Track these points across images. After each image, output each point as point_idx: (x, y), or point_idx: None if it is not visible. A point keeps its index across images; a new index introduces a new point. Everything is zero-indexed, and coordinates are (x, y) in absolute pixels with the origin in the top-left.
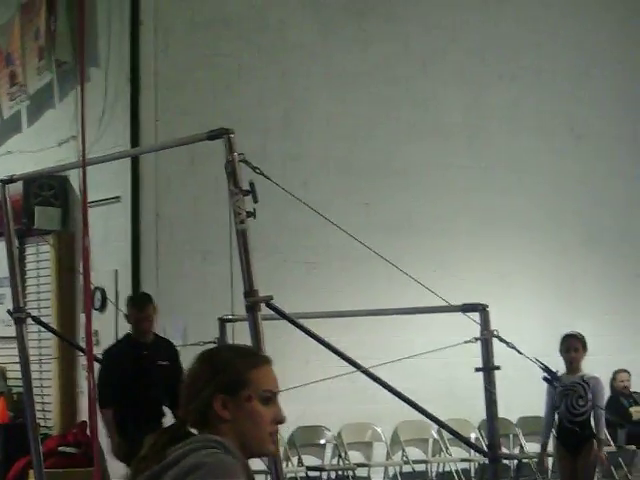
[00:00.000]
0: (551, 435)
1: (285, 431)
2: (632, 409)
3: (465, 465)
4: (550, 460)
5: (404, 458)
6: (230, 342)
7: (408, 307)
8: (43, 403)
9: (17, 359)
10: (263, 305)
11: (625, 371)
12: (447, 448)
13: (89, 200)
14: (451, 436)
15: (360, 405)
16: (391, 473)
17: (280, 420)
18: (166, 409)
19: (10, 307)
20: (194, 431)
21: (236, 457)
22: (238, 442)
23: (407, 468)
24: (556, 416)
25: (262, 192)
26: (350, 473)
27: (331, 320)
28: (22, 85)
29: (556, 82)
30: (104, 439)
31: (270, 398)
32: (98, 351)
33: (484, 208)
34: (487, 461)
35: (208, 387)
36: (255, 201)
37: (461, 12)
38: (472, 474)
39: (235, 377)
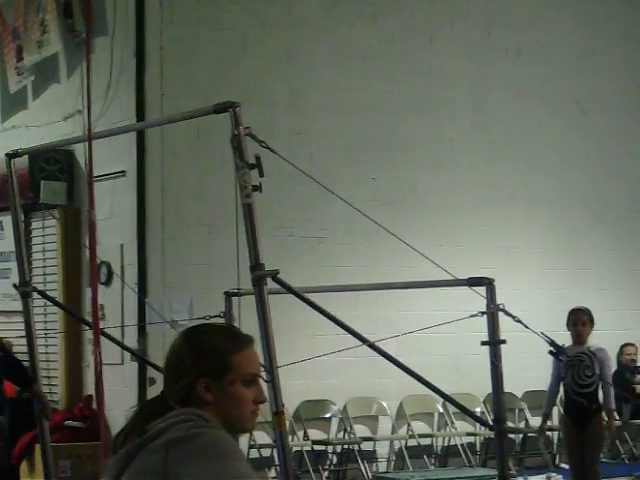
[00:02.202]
0: (554, 406)
1: (291, 405)
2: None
3: (470, 439)
4: (556, 434)
5: (409, 432)
6: (236, 316)
7: (414, 281)
8: (49, 377)
9: (23, 333)
10: (269, 279)
11: (632, 345)
12: (453, 422)
13: (95, 174)
14: (457, 410)
15: (366, 379)
16: (396, 447)
17: (261, 400)
18: None
19: (16, 281)
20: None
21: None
22: (220, 421)
23: (412, 442)
24: (562, 388)
25: (268, 166)
26: (355, 447)
27: (337, 294)
28: (25, 59)
29: (562, 56)
30: (110, 413)
31: (252, 380)
32: (104, 325)
33: (490, 182)
34: (493, 435)
35: (192, 371)
36: (261, 175)
37: None
38: (477, 448)
39: (219, 363)
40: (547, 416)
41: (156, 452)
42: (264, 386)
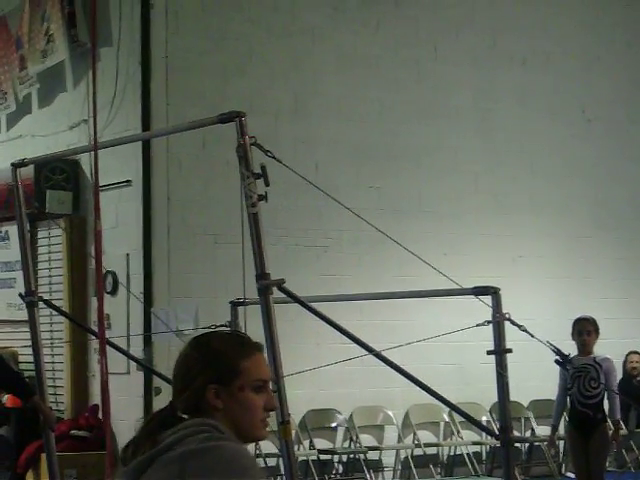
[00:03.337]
0: (562, 417)
1: (297, 414)
2: None
3: (476, 448)
4: (562, 443)
5: (415, 441)
6: (242, 325)
7: (419, 290)
8: (55, 387)
9: (29, 343)
10: (275, 288)
11: (637, 353)
12: (458, 431)
13: (100, 184)
14: (462, 419)
15: (372, 388)
16: (402, 456)
17: (271, 407)
18: None
19: (22, 291)
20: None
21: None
22: (231, 429)
23: (418, 451)
24: (568, 399)
25: (273, 175)
26: (361, 456)
27: (342, 303)
28: (27, 68)
29: (567, 65)
30: (116, 422)
31: (262, 387)
32: (110, 335)
33: (495, 191)
34: (499, 444)
35: (200, 377)
36: (266, 184)
37: None
38: (483, 457)
39: (228, 368)
40: (556, 428)
41: (171, 464)
42: None
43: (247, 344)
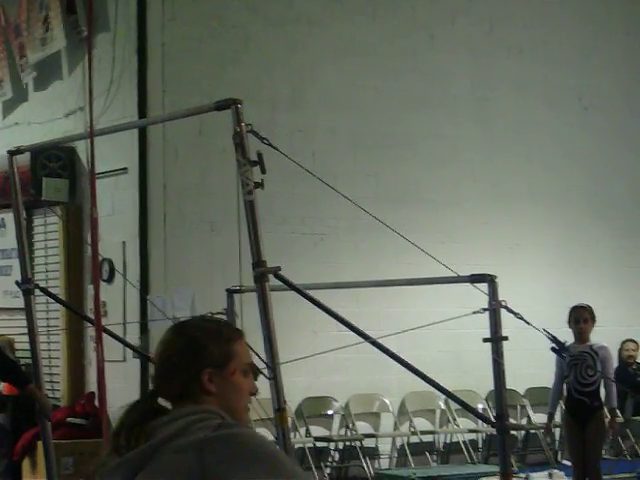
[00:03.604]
0: (558, 405)
1: (293, 402)
2: None
3: (472, 436)
4: (558, 431)
5: (411, 429)
6: (238, 313)
7: (416, 278)
8: (51, 374)
9: (25, 330)
10: (271, 276)
11: (632, 341)
12: (455, 419)
13: (97, 171)
14: (459, 407)
15: (368, 376)
16: (399, 444)
17: (255, 391)
18: None
19: (18, 278)
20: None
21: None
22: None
23: (414, 439)
24: (565, 386)
25: (270, 163)
26: (357, 444)
27: (338, 291)
28: (27, 56)
29: (564, 53)
30: (112, 410)
31: (248, 371)
32: (106, 322)
33: (492, 179)
34: (495, 432)
35: (195, 363)
36: (263, 172)
37: None
38: (479, 445)
39: (223, 351)
40: (552, 415)
41: (185, 452)
42: (265, 383)
43: (234, 328)
